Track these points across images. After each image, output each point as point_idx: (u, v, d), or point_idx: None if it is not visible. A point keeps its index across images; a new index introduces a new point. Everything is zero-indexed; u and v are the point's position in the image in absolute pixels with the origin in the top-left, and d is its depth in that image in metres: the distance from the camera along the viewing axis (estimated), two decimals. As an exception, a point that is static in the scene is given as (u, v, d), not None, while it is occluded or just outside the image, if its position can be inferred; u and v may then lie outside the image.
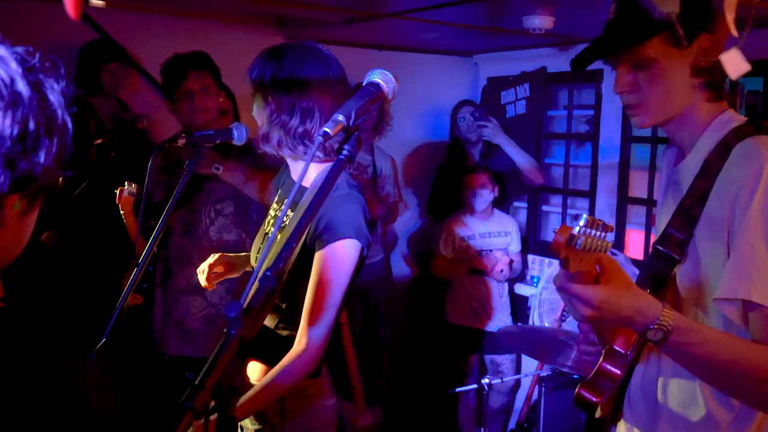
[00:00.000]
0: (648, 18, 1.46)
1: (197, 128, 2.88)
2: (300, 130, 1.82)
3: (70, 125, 0.92)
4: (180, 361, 3.16)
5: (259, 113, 1.90)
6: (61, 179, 0.94)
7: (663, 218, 1.64)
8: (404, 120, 4.82)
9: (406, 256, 5.24)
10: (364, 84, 1.36)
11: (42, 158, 0.88)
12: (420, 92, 5.05)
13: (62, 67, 0.94)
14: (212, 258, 2.15)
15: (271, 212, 2.06)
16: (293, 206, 1.88)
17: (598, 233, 1.18)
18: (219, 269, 2.16)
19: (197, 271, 2.17)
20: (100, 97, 3.85)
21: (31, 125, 0.86)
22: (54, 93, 0.91)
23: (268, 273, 1.05)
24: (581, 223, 1.18)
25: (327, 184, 1.19)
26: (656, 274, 1.52)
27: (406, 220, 5.12)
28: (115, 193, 2.96)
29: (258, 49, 1.95)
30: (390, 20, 3.66)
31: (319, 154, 1.87)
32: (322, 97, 1.83)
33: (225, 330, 1.08)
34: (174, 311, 3.17)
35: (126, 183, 2.83)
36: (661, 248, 1.53)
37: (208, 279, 2.13)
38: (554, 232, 1.19)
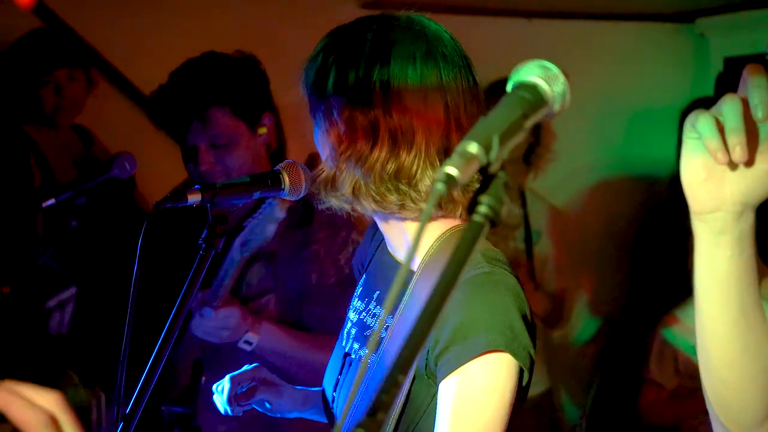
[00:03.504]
0: None
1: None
2: (390, 167, 1.56)
3: None
4: None
5: (321, 140, 1.65)
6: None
7: None
8: (577, 138, 4.28)
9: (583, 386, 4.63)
10: (510, 87, 1.13)
11: None
12: (603, 88, 4.50)
13: None
14: (243, 369, 1.93)
15: (352, 315, 1.77)
16: (392, 305, 1.52)
17: None
18: (251, 390, 1.93)
19: (213, 389, 1.94)
20: (47, 128, 3.36)
21: None
22: None
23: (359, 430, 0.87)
24: None
25: (455, 263, 0.97)
26: None
27: (585, 322, 4.57)
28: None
29: (319, 29, 1.71)
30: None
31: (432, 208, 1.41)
32: (427, 108, 1.58)
33: None
34: None
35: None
36: None
37: (229, 400, 1.89)
38: None
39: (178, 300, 1.83)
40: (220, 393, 1.97)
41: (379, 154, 1.57)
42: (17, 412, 0.92)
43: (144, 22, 3.63)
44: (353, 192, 1.59)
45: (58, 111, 3.28)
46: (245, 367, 1.99)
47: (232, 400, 1.92)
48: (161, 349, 1.82)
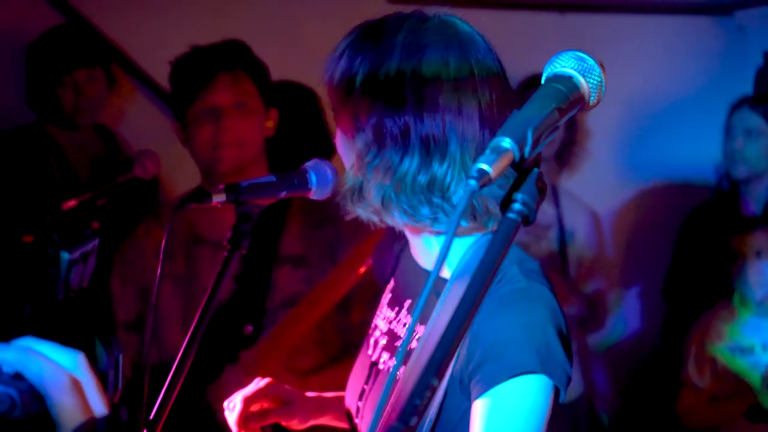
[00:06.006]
0: None
1: (222, 176, 2.53)
2: (423, 178, 1.50)
3: None
4: None
5: (344, 146, 1.58)
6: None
7: None
8: (612, 135, 4.39)
9: (623, 387, 4.56)
10: (543, 79, 1.11)
11: None
12: (638, 83, 4.44)
13: None
14: (254, 385, 1.84)
15: (381, 323, 1.74)
16: (422, 315, 1.57)
17: None
18: (261, 406, 1.85)
19: (224, 405, 1.86)
20: (68, 128, 3.36)
21: None
22: None
23: None
24: None
25: (487, 269, 0.97)
26: None
27: (620, 323, 4.48)
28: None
29: (345, 25, 1.64)
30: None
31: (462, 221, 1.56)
32: (461, 116, 1.49)
33: None
34: None
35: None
36: None
37: (239, 421, 1.79)
38: None
39: (203, 302, 1.78)
40: (231, 412, 1.91)
41: (410, 164, 1.52)
42: (35, 372, 0.85)
43: (168, 20, 3.59)
44: (382, 203, 1.53)
45: (78, 111, 3.26)
46: (256, 383, 1.92)
47: (242, 422, 1.87)
48: (186, 354, 1.75)
